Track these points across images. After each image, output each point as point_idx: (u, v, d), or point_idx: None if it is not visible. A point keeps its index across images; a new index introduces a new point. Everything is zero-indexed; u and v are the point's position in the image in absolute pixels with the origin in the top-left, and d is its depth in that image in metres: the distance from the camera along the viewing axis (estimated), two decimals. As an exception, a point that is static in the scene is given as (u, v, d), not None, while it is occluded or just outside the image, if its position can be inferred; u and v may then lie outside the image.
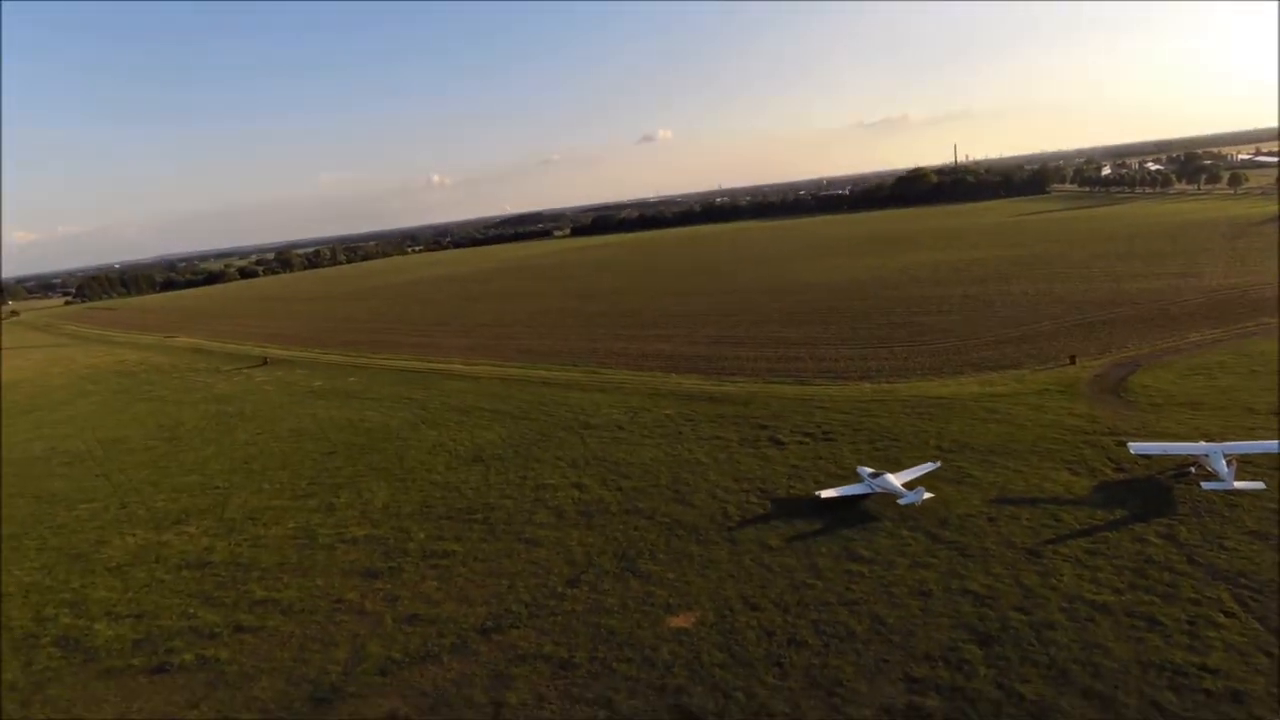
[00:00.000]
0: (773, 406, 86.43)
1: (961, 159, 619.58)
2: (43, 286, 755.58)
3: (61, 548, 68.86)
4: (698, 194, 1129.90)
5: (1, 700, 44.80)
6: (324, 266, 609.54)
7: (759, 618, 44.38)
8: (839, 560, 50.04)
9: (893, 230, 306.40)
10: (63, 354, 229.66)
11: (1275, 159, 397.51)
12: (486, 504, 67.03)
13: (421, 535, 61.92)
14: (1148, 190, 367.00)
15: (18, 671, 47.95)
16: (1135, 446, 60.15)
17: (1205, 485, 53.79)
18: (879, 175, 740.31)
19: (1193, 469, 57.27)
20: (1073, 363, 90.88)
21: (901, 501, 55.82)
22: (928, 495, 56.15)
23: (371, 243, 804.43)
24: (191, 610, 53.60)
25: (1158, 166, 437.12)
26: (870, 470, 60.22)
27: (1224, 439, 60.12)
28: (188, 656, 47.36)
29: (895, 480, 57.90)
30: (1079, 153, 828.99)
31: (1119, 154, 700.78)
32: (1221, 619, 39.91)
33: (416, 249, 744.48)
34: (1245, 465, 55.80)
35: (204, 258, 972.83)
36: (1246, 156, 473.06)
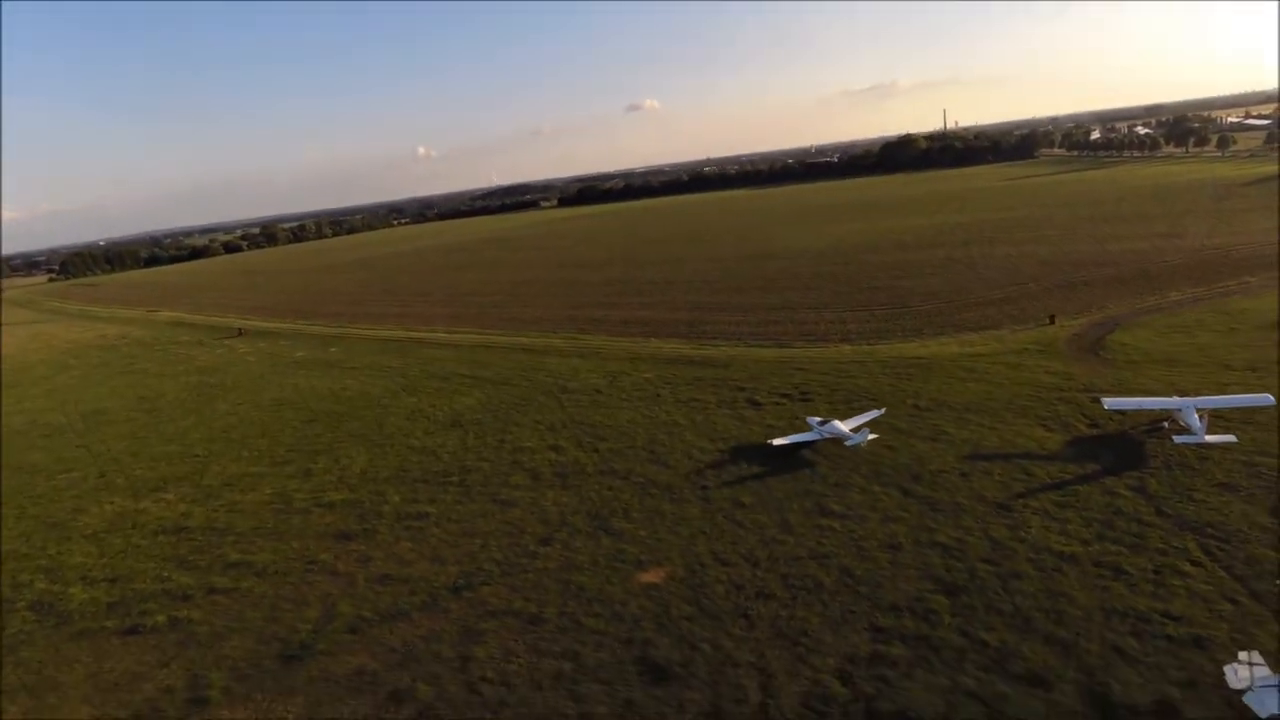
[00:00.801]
0: (751, 369, 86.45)
1: (951, 125, 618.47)
2: (27, 264, 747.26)
3: (39, 516, 68.62)
4: (686, 163, 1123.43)
5: (-28, 664, 44.77)
6: (309, 240, 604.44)
7: (728, 572, 44.58)
8: (810, 516, 50.27)
9: (878, 196, 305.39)
10: (44, 330, 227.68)
11: (1265, 122, 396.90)
12: (463, 467, 67.02)
13: (397, 498, 61.91)
14: (1136, 154, 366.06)
15: (-11, 636, 47.89)
16: (1109, 402, 60.36)
17: (1177, 439, 54.16)
18: (868, 142, 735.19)
19: (1166, 424, 57.59)
20: (1052, 322, 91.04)
21: (848, 443, 59.26)
22: (872, 436, 60.12)
23: (357, 216, 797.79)
24: (166, 574, 53.58)
25: (1146, 130, 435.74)
26: (819, 419, 63.21)
27: (1198, 395, 60.34)
28: (160, 618, 47.37)
29: (842, 426, 61.10)
30: (1070, 118, 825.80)
31: (1110, 119, 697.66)
32: (1188, 568, 40.26)
33: (403, 221, 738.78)
34: (1217, 420, 56.13)
35: (189, 233, 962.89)
36: (1236, 120, 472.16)
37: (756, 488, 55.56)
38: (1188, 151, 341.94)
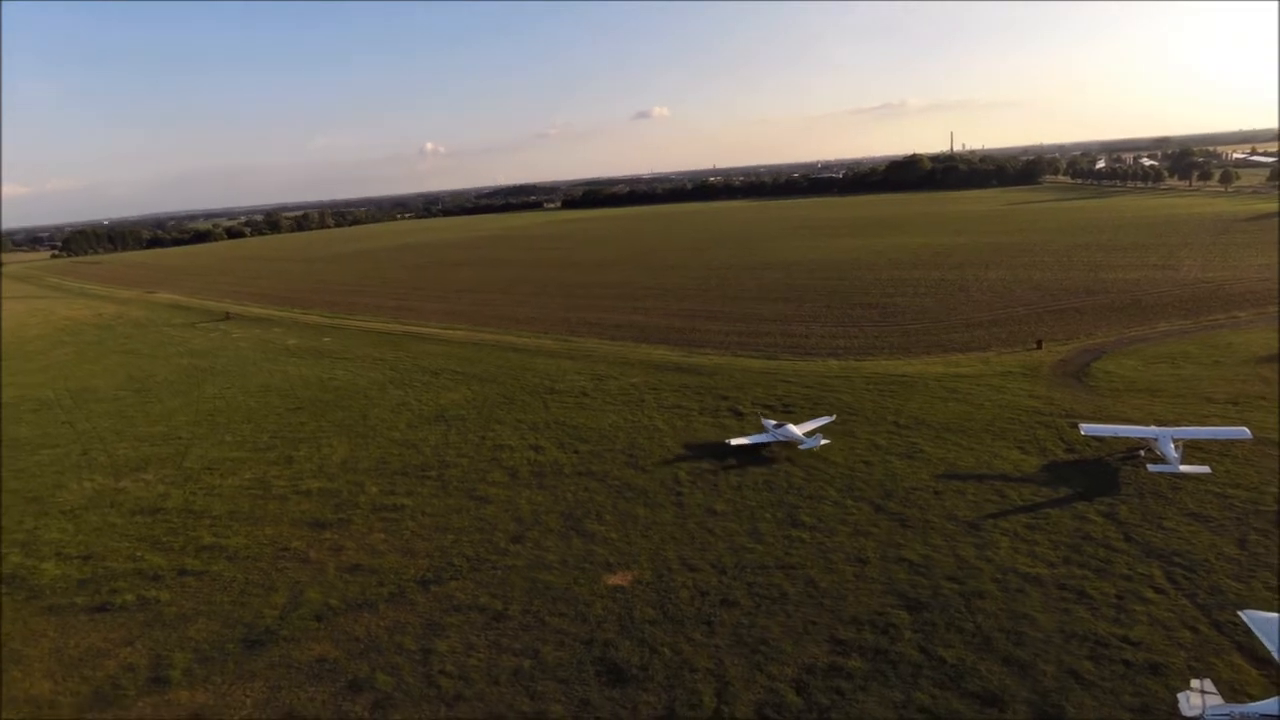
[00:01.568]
0: (737, 379, 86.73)
1: (958, 148, 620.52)
2: (30, 239, 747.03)
3: (19, 490, 68.83)
4: (692, 172, 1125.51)
5: (-63, 634, 44.82)
6: (312, 230, 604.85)
7: (695, 578, 44.77)
8: (781, 526, 50.49)
9: (880, 214, 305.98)
10: (42, 305, 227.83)
11: (1270, 159, 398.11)
12: (442, 461, 67.21)
13: (375, 489, 62.10)
14: (1139, 185, 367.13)
15: (-43, 607, 47.95)
16: (1086, 428, 60.70)
17: (1151, 468, 54.46)
18: (875, 160, 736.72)
19: (1142, 452, 57.89)
20: (1039, 347, 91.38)
21: (801, 446, 62.26)
22: (824, 441, 62.83)
23: (362, 209, 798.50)
24: (139, 553, 53.73)
25: (1152, 162, 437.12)
26: (774, 422, 66.35)
27: (1176, 425, 60.67)
28: (129, 597, 47.52)
29: (796, 430, 64.26)
30: (1078, 146, 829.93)
31: (1117, 149, 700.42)
32: (1151, 595, 40.50)
33: (406, 216, 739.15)
34: (1194, 451, 56.47)
35: (192, 217, 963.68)
36: (1241, 156, 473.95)
37: (731, 496, 55.79)
38: (1191, 185, 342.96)
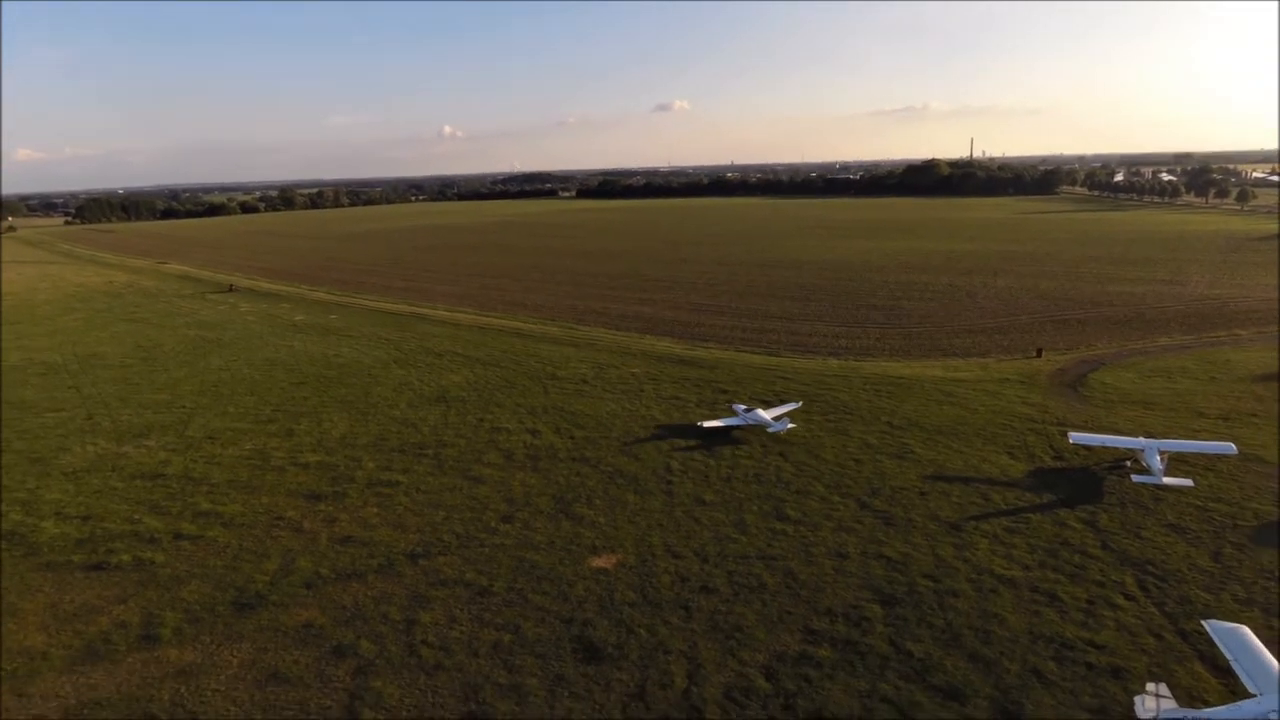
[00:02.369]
0: (737, 373, 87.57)
1: (978, 154, 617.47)
2: (45, 205, 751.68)
3: (23, 451, 70.17)
4: (709, 167, 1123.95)
5: (-61, 583, 46.10)
6: (326, 208, 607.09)
7: (677, 564, 45.71)
8: (766, 518, 51.36)
9: (894, 217, 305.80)
10: (53, 271, 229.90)
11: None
12: (440, 441, 68.27)
13: (371, 465, 63.21)
14: (1155, 199, 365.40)
15: (-41, 559, 49.24)
16: (1075, 436, 61.31)
17: (1135, 478, 55.04)
18: (893, 163, 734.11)
19: (1128, 463, 58.47)
20: (1039, 356, 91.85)
21: (770, 430, 66.06)
22: (790, 425, 66.98)
23: (376, 188, 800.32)
24: (137, 516, 54.97)
25: (1170, 177, 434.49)
26: (744, 406, 70.42)
27: (1165, 438, 61.21)
28: (125, 557, 48.74)
29: (765, 414, 68.15)
30: (1098, 158, 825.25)
31: (1138, 162, 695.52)
32: (1121, 601, 41.22)
33: (421, 198, 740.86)
34: (1180, 464, 57.07)
35: (207, 190, 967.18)
36: (1261, 175, 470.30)
37: (721, 487, 56.66)
38: (1207, 202, 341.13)
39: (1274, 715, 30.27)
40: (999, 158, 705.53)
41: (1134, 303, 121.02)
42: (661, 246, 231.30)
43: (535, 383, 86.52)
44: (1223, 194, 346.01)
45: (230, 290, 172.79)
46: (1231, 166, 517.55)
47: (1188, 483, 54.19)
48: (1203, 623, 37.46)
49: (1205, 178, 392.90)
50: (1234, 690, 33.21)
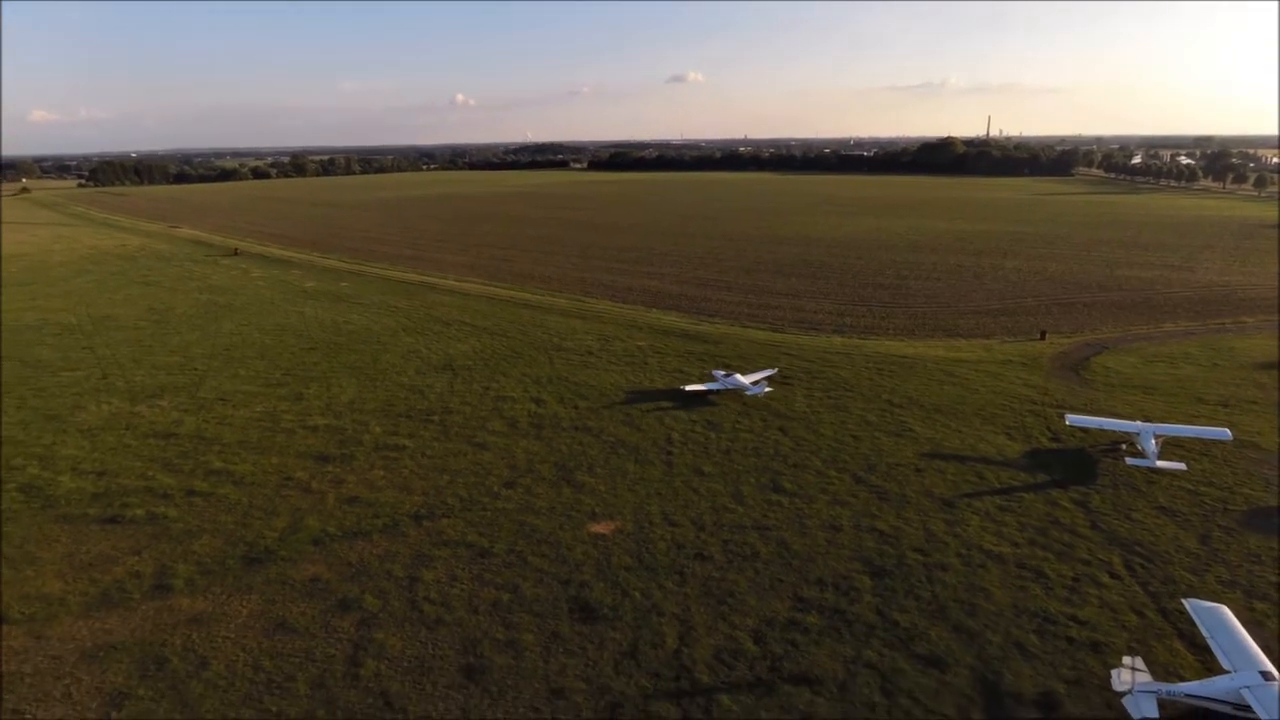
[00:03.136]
0: (741, 348, 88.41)
1: (995, 133, 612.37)
2: (59, 167, 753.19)
3: (40, 408, 71.78)
4: (722, 140, 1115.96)
5: (-40, 532, 47.69)
6: (338, 174, 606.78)
7: (674, 532, 46.91)
8: (763, 490, 52.46)
9: (906, 195, 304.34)
10: (67, 233, 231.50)
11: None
12: (446, 408, 69.53)
13: (379, 429, 64.53)
14: (1172, 183, 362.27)
15: (-21, 510, 50.86)
16: (1071, 419, 62.08)
17: (1130, 461, 55.84)
18: (908, 141, 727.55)
19: (1124, 446, 59.20)
20: (1043, 338, 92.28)
21: (747, 393, 70.69)
22: (768, 389, 71.55)
23: (388, 156, 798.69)
24: (151, 473, 56.51)
25: (1188, 161, 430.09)
26: (723, 371, 75.18)
27: (1162, 422, 61.83)
28: (139, 511, 50.29)
29: (743, 379, 72.52)
30: (1116, 139, 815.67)
31: (1158, 145, 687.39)
32: (1106, 579, 42.22)
33: (432, 167, 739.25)
34: (1175, 448, 57.80)
35: (220, 155, 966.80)
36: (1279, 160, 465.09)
37: (720, 459, 57.73)
38: (1224, 187, 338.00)
39: (1246, 691, 31.30)
40: (1016, 137, 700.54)
41: (1142, 287, 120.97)
42: (671, 220, 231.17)
43: (541, 353, 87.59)
44: (1241, 179, 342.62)
45: (235, 254, 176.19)
46: (1251, 151, 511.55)
47: (1181, 466, 54.97)
48: (1183, 601, 38.46)
49: (1224, 162, 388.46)
50: (1210, 667, 34.27)
